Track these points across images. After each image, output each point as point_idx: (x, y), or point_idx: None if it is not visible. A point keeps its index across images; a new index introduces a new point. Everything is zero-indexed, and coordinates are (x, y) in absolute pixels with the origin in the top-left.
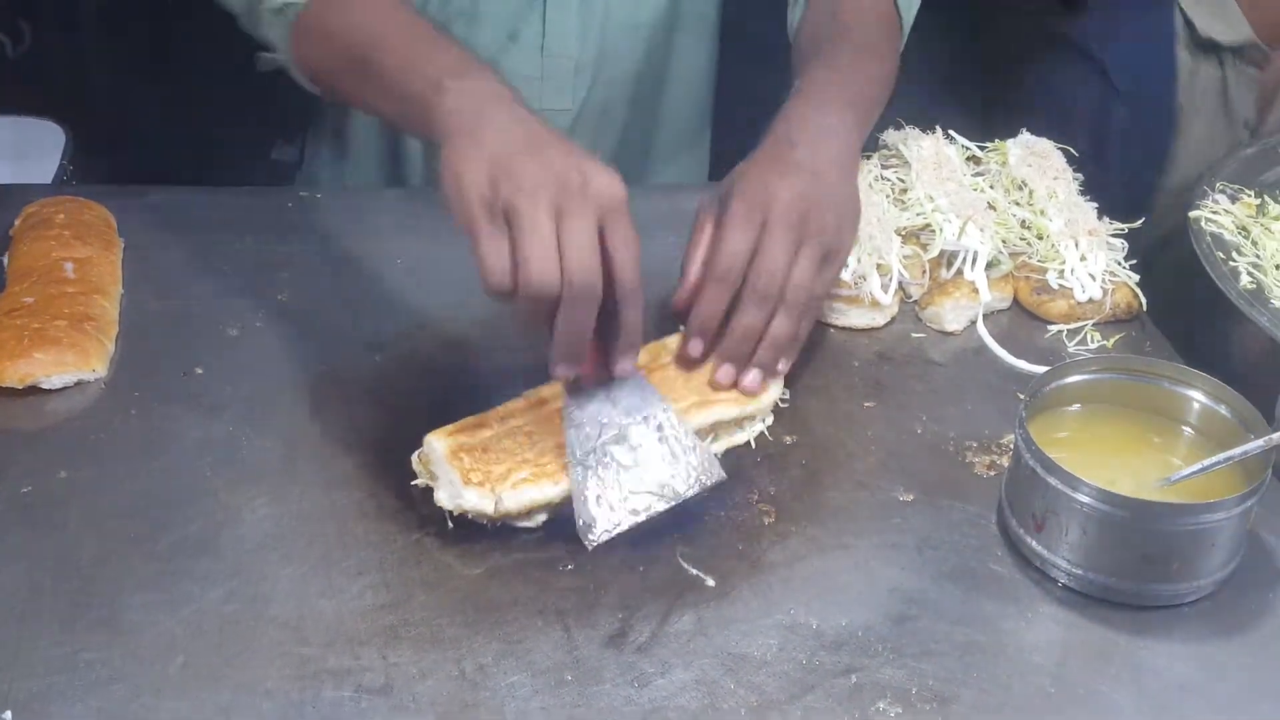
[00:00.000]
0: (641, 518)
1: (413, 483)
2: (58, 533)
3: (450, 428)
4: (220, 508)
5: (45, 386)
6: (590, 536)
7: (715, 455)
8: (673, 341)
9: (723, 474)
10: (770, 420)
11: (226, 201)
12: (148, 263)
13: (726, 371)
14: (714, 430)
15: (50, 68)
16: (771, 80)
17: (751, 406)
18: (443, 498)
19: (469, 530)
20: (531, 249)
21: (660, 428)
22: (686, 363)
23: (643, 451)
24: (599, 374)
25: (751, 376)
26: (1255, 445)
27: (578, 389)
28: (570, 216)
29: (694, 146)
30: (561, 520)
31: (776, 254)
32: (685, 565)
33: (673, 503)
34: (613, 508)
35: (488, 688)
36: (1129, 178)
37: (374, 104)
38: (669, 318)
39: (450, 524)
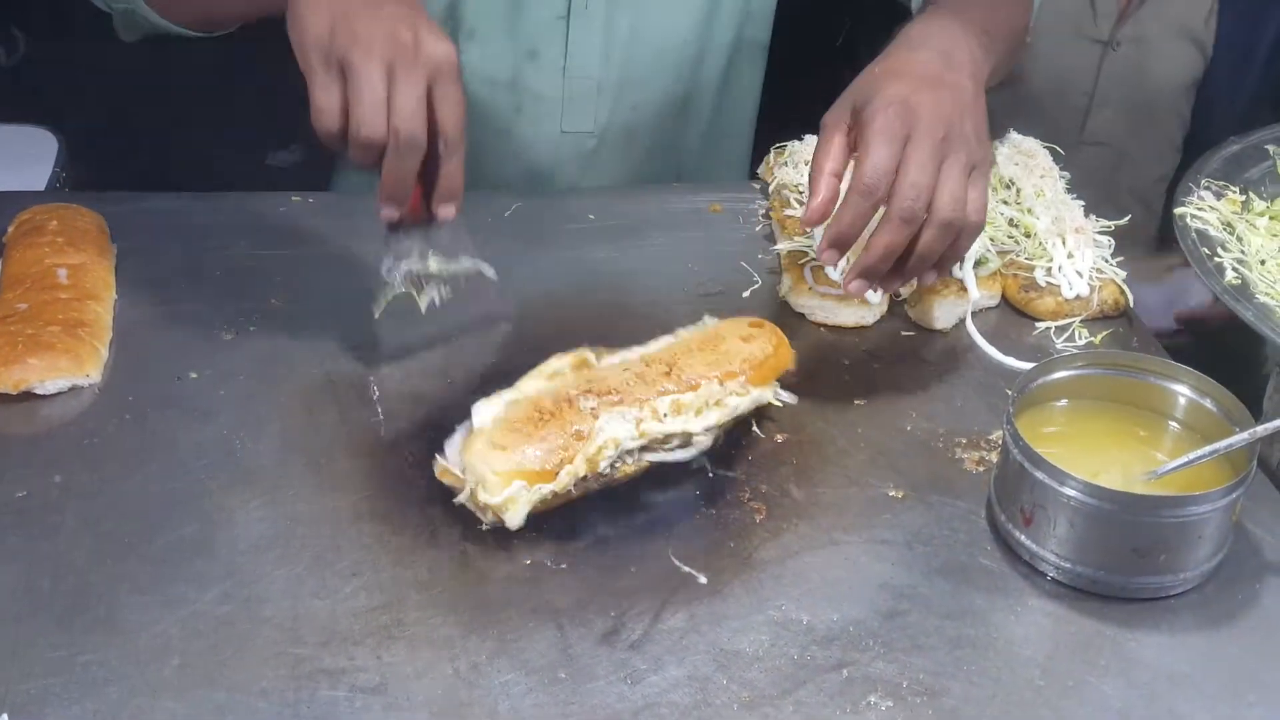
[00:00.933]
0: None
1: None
2: (53, 536)
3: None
4: (215, 510)
5: (39, 392)
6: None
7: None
8: (658, 353)
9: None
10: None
11: (219, 207)
12: (141, 268)
13: (860, 285)
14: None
15: (44, 75)
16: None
17: (758, 394)
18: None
19: (461, 530)
20: (361, 102)
21: (463, 256)
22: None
23: (450, 289)
24: (421, 214)
25: (881, 292)
26: (1240, 439)
27: (399, 226)
28: (400, 73)
29: (732, 164)
30: (554, 520)
31: (924, 169)
32: (677, 563)
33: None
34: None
35: (481, 686)
36: None
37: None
38: (657, 321)
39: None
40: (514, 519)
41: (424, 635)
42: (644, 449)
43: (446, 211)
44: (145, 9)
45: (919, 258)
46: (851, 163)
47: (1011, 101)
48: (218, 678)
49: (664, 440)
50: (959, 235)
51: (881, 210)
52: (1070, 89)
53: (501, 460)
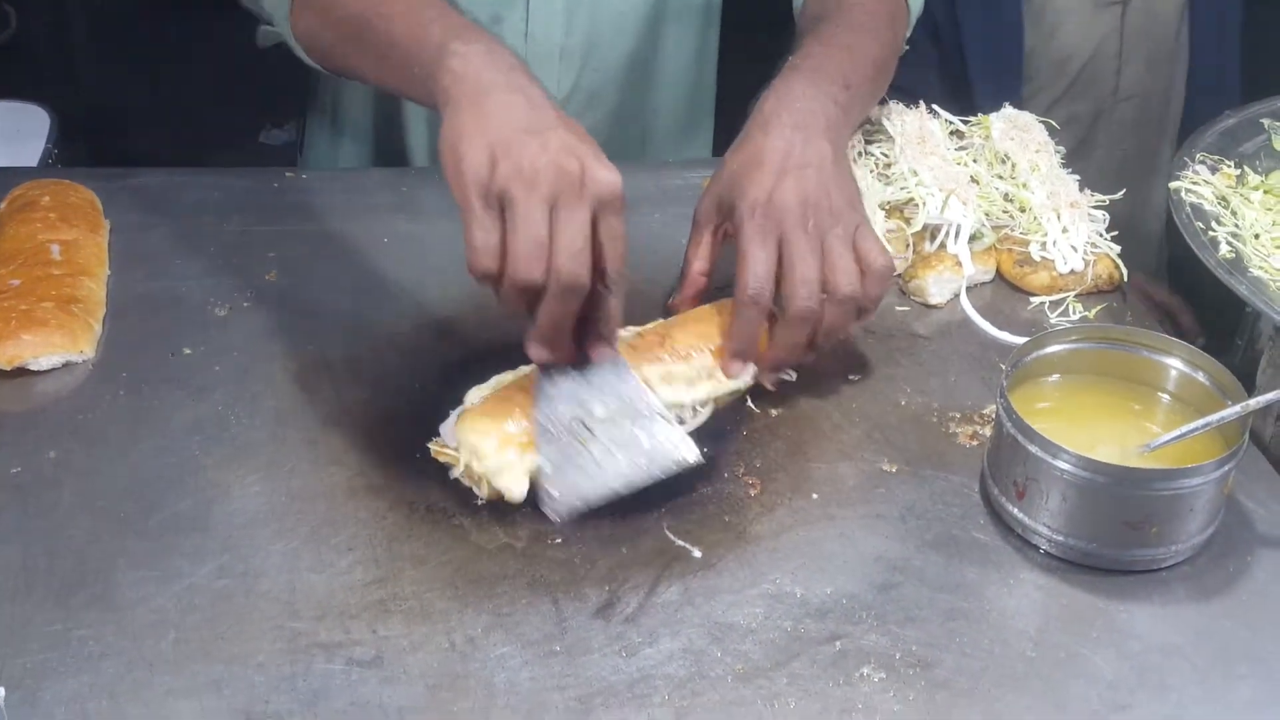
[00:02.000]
0: (612, 494)
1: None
2: (49, 513)
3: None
4: (210, 486)
5: (33, 368)
6: (559, 511)
7: (689, 436)
8: (652, 327)
9: (699, 456)
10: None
11: (213, 183)
12: (135, 244)
13: (773, 379)
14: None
15: (36, 52)
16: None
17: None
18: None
19: (456, 506)
20: (521, 240)
21: (635, 408)
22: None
23: (616, 430)
24: (575, 355)
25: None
26: (1232, 411)
27: (552, 367)
28: (565, 208)
29: (696, 128)
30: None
31: (806, 261)
32: (672, 537)
33: (645, 483)
34: (582, 484)
35: (477, 659)
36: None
37: (374, 73)
38: (652, 301)
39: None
40: (515, 489)
41: (419, 609)
42: None
43: (601, 352)
44: (294, 45)
45: (830, 332)
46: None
47: (1052, 77)
48: (214, 651)
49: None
50: (863, 298)
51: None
52: (1101, 54)
53: (492, 428)
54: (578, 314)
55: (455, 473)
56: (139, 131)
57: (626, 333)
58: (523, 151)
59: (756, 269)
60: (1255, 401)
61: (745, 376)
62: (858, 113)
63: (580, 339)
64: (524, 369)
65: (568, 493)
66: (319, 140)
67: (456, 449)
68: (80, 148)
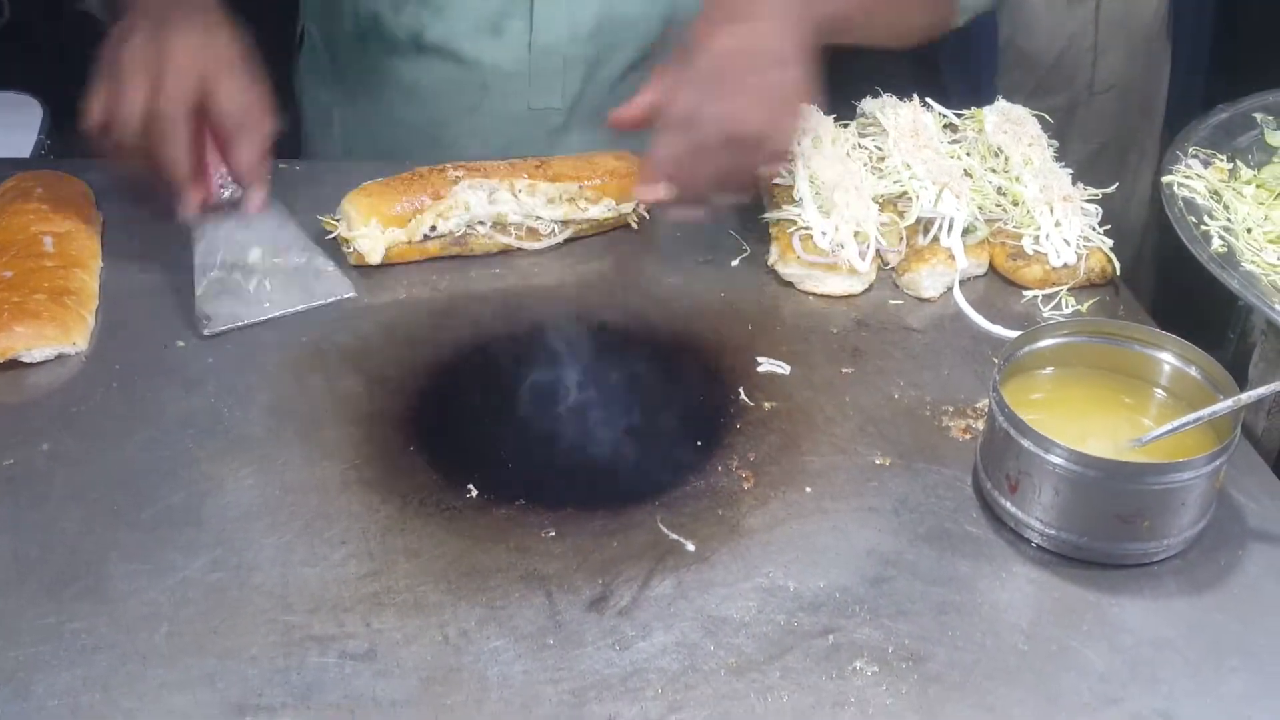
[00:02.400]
0: (266, 316)
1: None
2: (41, 505)
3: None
4: (203, 479)
5: (25, 360)
6: (208, 327)
7: (336, 270)
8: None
9: (352, 290)
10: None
11: None
12: (128, 236)
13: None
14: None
15: (29, 42)
16: None
17: (609, 203)
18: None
19: (450, 499)
20: (128, 91)
21: (290, 247)
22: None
23: (272, 267)
24: (212, 198)
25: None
26: (1224, 405)
27: (212, 211)
28: (168, 79)
29: None
30: (543, 488)
31: (726, 102)
32: (665, 531)
33: (296, 308)
34: (238, 310)
35: (470, 652)
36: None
37: None
38: (645, 292)
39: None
40: (371, 255)
41: (413, 602)
42: (497, 227)
43: (252, 200)
44: None
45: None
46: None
47: (1026, 71)
48: (207, 645)
49: (518, 227)
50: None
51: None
52: (1075, 47)
53: (365, 204)
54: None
55: (334, 234)
56: None
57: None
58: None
59: (686, 100)
60: (1247, 396)
61: (623, 207)
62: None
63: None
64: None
65: (224, 315)
66: (312, 131)
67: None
68: (74, 138)
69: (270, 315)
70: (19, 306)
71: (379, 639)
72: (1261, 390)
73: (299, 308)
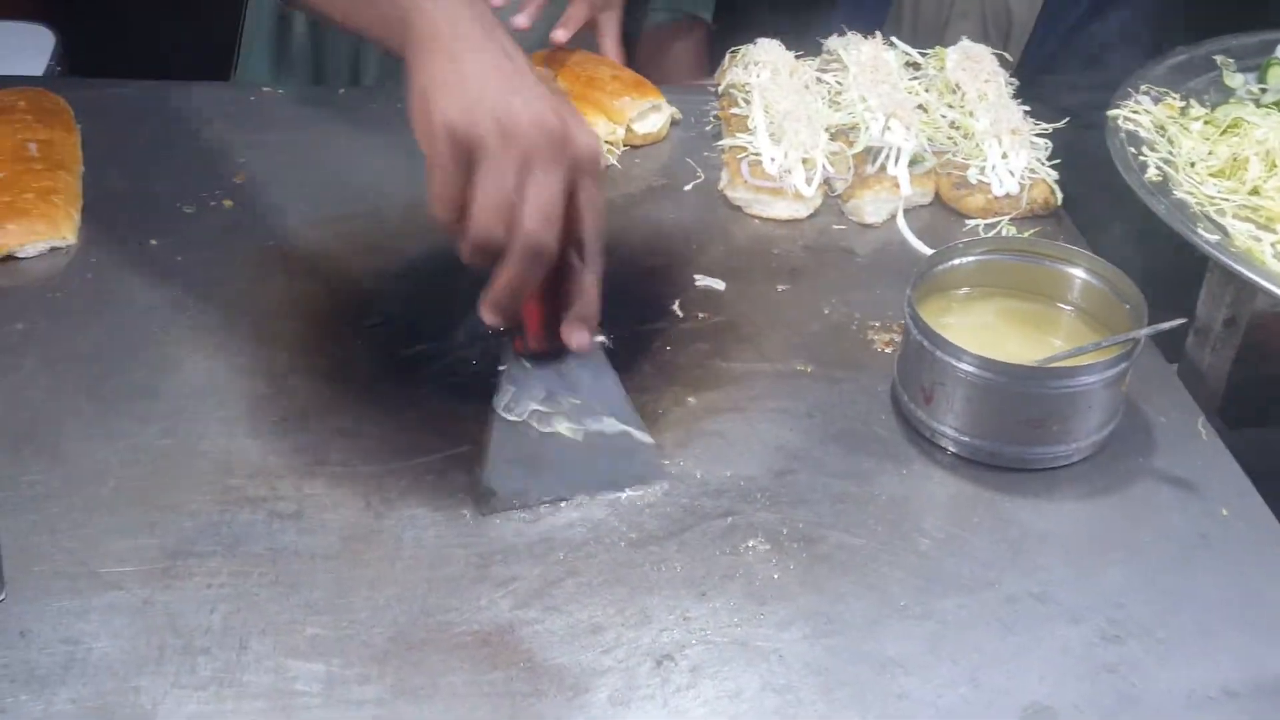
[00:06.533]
0: (551, 500)
1: None
2: (11, 375)
3: None
4: (162, 359)
5: (20, 256)
6: (487, 506)
7: (654, 446)
8: None
9: (662, 476)
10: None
11: (193, 94)
12: (112, 147)
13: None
14: None
15: None
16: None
17: None
18: None
19: (392, 386)
20: (487, 194)
21: (606, 411)
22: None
23: (580, 434)
24: (540, 338)
25: None
26: (1120, 338)
27: (523, 350)
28: (540, 168)
29: None
30: (480, 382)
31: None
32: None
33: (598, 495)
34: (528, 489)
35: (391, 517)
36: None
37: (341, 11)
38: None
39: None
40: None
41: (344, 474)
42: None
43: (581, 339)
44: None
45: None
46: None
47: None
48: (150, 499)
49: None
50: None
51: None
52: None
53: None
54: (551, 291)
55: None
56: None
57: None
58: (501, 103)
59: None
60: (1144, 331)
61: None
62: None
63: (555, 323)
64: None
65: (508, 487)
66: (254, 58)
67: None
68: (85, 67)
69: (566, 497)
70: (10, 206)
71: (307, 502)
72: (1161, 326)
73: (602, 495)
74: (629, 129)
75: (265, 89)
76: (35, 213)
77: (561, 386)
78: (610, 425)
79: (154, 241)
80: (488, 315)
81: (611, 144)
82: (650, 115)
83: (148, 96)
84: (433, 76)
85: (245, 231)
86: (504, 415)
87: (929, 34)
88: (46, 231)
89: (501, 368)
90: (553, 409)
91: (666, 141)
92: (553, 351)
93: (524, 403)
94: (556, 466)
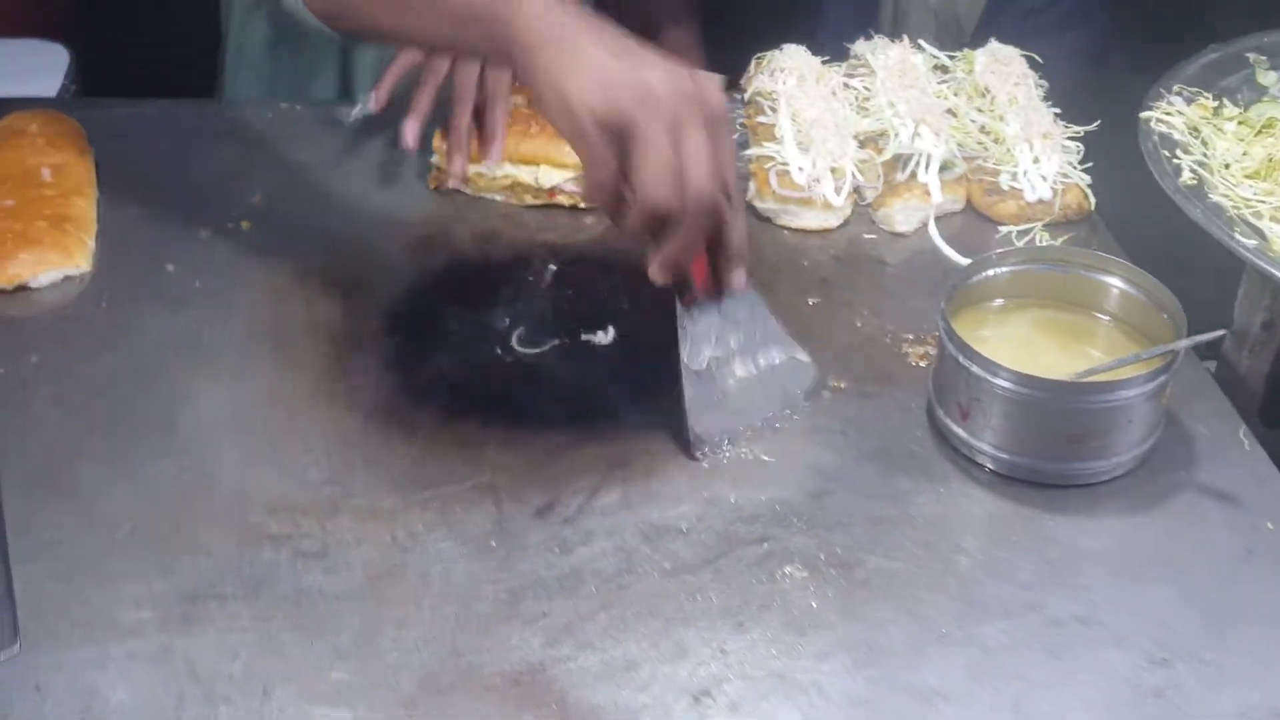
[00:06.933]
0: (752, 424)
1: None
2: (25, 410)
3: None
4: (178, 391)
5: (33, 286)
6: (702, 449)
7: (811, 364)
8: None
9: (824, 387)
10: None
11: (208, 113)
12: (126, 169)
13: None
14: None
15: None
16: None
17: None
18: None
19: (413, 413)
20: (652, 167)
21: (769, 342)
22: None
23: (753, 366)
24: (707, 286)
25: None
26: (1158, 350)
27: (692, 302)
28: (689, 130)
29: None
30: (503, 405)
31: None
32: (618, 446)
33: (783, 411)
34: (724, 422)
35: (416, 552)
36: None
37: (411, 30)
38: None
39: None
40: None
41: (367, 507)
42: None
43: (740, 279)
44: (299, 7)
45: None
46: None
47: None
48: (168, 541)
49: None
50: None
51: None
52: None
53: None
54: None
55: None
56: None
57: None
58: (634, 78)
59: None
60: (1184, 343)
61: None
62: None
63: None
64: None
65: (711, 429)
66: (239, 74)
67: None
68: (102, 84)
69: (756, 424)
70: (22, 235)
71: (331, 539)
72: (1202, 337)
73: (786, 411)
74: None
75: (283, 105)
76: (48, 241)
77: (727, 328)
78: (776, 355)
79: (170, 267)
80: (659, 275)
81: None
82: None
83: (163, 116)
84: (560, 70)
85: (263, 254)
86: (689, 366)
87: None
88: (60, 260)
89: (678, 323)
90: (725, 352)
91: None
92: (713, 296)
93: (702, 351)
94: (743, 402)
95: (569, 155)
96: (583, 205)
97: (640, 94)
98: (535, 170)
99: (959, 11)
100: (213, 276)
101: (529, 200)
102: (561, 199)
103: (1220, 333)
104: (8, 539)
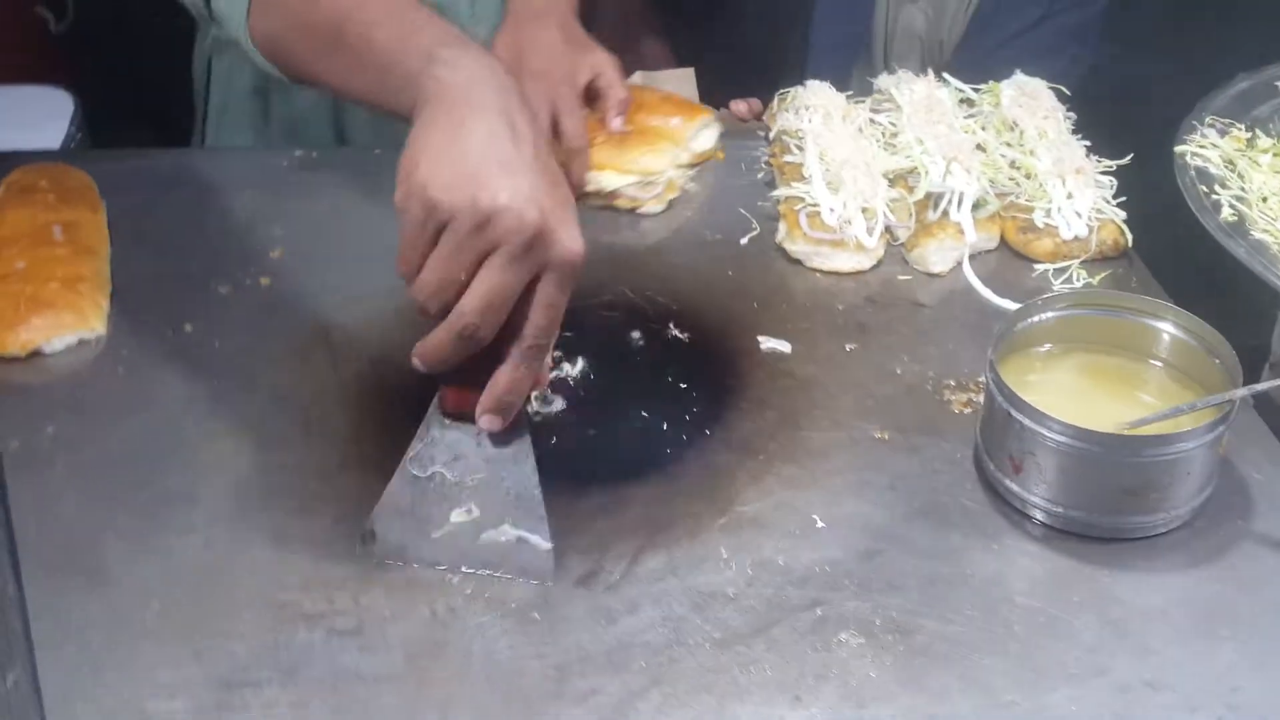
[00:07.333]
0: (434, 565)
1: None
2: (43, 485)
3: None
4: (201, 460)
5: (47, 351)
6: (371, 547)
7: (549, 552)
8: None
9: (550, 579)
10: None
11: (221, 163)
12: (139, 224)
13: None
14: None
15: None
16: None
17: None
18: None
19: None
20: (435, 269)
21: (511, 509)
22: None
23: (477, 508)
24: (457, 408)
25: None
26: (1214, 399)
27: (450, 415)
28: (501, 260)
29: None
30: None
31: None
32: (658, 507)
33: (478, 571)
34: (409, 545)
35: (456, 628)
36: None
37: (342, 79)
38: (652, 273)
39: None
40: None
41: (402, 580)
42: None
43: (489, 423)
44: (249, 47)
45: None
46: None
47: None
48: (197, 622)
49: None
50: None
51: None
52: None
53: None
54: (487, 363)
55: None
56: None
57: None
58: (487, 186)
59: None
60: (1242, 391)
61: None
62: None
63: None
64: None
65: (392, 543)
66: (223, 121)
67: None
68: (107, 133)
69: (441, 568)
70: (34, 298)
71: (367, 615)
72: (1260, 386)
73: (480, 572)
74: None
75: (298, 153)
76: (61, 304)
77: (473, 455)
78: (509, 528)
79: (189, 327)
80: (415, 362)
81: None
82: (703, 133)
83: (174, 165)
84: (430, 141)
85: (284, 312)
86: (409, 467)
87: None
88: (74, 324)
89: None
90: (457, 478)
91: (718, 190)
92: (472, 419)
93: (432, 462)
94: (441, 538)
95: (632, 162)
96: (640, 210)
97: (478, 203)
98: (599, 175)
99: (943, 36)
100: (233, 337)
101: (591, 203)
102: (621, 203)
103: (1279, 382)
104: (30, 624)
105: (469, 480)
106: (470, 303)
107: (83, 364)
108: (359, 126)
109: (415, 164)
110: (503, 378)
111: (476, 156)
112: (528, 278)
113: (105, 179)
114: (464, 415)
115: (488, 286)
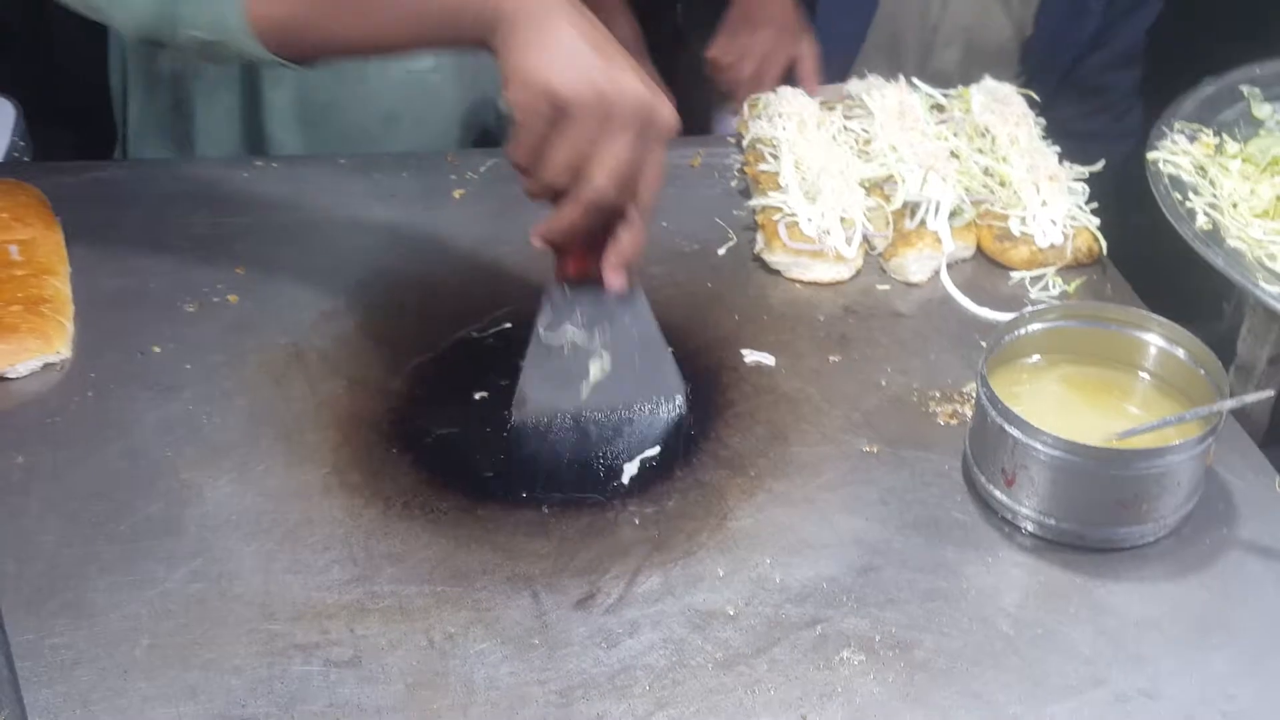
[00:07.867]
0: (582, 415)
1: None
2: (18, 519)
3: None
4: (182, 487)
5: (11, 376)
6: (521, 411)
7: (678, 373)
8: None
9: (682, 404)
10: None
11: (178, 174)
12: (98, 241)
13: None
14: None
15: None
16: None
17: None
18: None
19: (434, 500)
20: (565, 149)
21: (638, 340)
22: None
23: (611, 360)
24: (581, 272)
25: None
26: (1201, 411)
27: (563, 280)
28: (623, 134)
29: None
30: (527, 486)
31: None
32: (652, 527)
33: (619, 413)
34: (558, 400)
35: (456, 656)
36: None
37: (388, 33)
38: None
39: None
40: None
41: (398, 607)
42: None
43: (617, 280)
44: (245, 40)
45: None
46: None
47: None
48: (189, 656)
49: None
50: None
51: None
52: (920, 25)
53: None
54: (602, 231)
55: None
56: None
57: None
58: (602, 71)
59: None
60: (1229, 403)
61: None
62: None
63: (597, 259)
64: None
65: (544, 402)
66: (148, 129)
67: None
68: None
69: (583, 415)
70: None
71: (363, 645)
72: (1248, 397)
73: (620, 408)
74: None
75: (258, 163)
76: (24, 327)
77: (599, 317)
78: (639, 367)
79: (156, 349)
80: (534, 240)
81: None
82: None
83: (129, 178)
84: (532, 44)
85: (255, 331)
86: (543, 336)
87: (909, 62)
88: (38, 347)
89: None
90: (587, 340)
91: (693, 200)
92: (595, 282)
93: (563, 327)
94: (586, 387)
95: None
96: None
97: (600, 87)
98: None
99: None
100: (204, 357)
101: None
102: None
103: (1268, 394)
104: (15, 664)
105: (598, 333)
106: (602, 177)
107: (49, 389)
108: (279, 131)
109: (528, 66)
110: (626, 236)
111: (586, 52)
112: (647, 149)
113: (58, 193)
114: (584, 279)
115: (618, 160)
